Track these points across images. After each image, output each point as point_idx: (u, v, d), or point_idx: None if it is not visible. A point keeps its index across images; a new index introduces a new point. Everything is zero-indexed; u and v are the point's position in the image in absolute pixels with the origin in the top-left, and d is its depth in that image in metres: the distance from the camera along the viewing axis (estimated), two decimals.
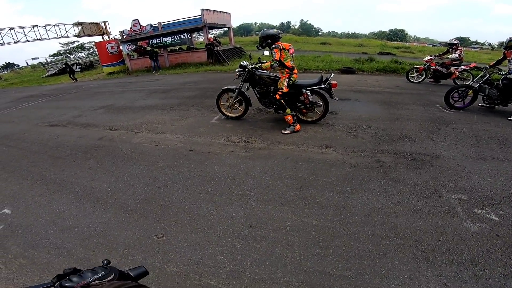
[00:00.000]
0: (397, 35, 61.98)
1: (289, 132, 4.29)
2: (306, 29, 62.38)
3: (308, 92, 4.28)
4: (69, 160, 4.11)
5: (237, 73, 4.68)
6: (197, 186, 2.95)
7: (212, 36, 21.99)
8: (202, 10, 14.85)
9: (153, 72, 15.19)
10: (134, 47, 17.27)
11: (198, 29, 16.19)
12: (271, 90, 4.52)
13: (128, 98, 8.57)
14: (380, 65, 10.67)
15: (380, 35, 61.35)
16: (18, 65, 42.64)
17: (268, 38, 4.29)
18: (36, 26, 18.54)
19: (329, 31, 76.36)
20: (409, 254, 1.91)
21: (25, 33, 17.87)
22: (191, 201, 2.71)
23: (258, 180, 2.96)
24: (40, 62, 35.19)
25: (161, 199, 2.79)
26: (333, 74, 4.48)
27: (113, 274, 0.62)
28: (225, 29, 21.04)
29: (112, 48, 18.23)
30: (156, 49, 16.47)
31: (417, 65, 8.81)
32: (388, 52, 18.81)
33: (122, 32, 17.07)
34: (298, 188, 2.78)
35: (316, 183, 2.85)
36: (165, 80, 11.74)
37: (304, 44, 24.49)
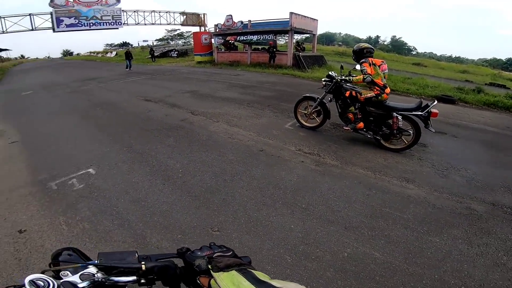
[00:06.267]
0: None
1: (349, 128, 4.30)
2: (398, 47, 56.99)
3: (400, 117, 3.82)
4: (154, 134, 4.64)
5: (323, 83, 4.52)
6: (261, 189, 2.93)
7: (294, 40, 22.02)
8: (291, 13, 14.77)
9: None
10: (223, 40, 18.73)
11: (283, 32, 16.40)
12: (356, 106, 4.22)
13: (211, 88, 9.32)
14: (490, 98, 8.81)
15: (492, 63, 51.38)
16: (131, 45, 51.26)
17: (362, 52, 4.06)
18: (154, 11, 21.45)
19: (425, 52, 67.84)
20: None
21: (144, 16, 20.92)
22: (252, 202, 2.70)
23: (324, 198, 2.77)
24: (148, 44, 41.49)
25: (224, 193, 2.85)
26: (436, 102, 3.88)
27: (231, 251, 0.67)
28: (308, 35, 20.73)
29: (205, 39, 20.24)
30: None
31: None
32: (501, 84, 15.47)
33: (216, 25, 18.69)
34: (366, 216, 2.49)
35: (389, 216, 2.50)
36: (245, 77, 12.35)
37: (393, 63, 22.27)
